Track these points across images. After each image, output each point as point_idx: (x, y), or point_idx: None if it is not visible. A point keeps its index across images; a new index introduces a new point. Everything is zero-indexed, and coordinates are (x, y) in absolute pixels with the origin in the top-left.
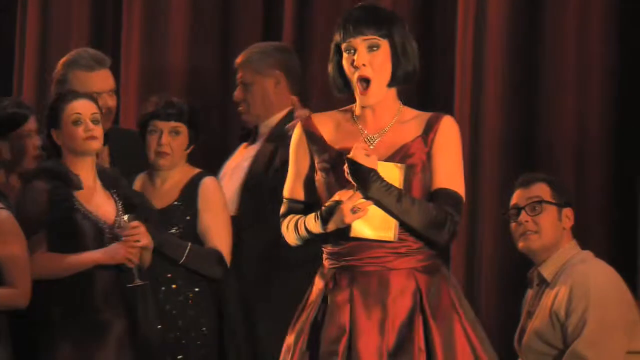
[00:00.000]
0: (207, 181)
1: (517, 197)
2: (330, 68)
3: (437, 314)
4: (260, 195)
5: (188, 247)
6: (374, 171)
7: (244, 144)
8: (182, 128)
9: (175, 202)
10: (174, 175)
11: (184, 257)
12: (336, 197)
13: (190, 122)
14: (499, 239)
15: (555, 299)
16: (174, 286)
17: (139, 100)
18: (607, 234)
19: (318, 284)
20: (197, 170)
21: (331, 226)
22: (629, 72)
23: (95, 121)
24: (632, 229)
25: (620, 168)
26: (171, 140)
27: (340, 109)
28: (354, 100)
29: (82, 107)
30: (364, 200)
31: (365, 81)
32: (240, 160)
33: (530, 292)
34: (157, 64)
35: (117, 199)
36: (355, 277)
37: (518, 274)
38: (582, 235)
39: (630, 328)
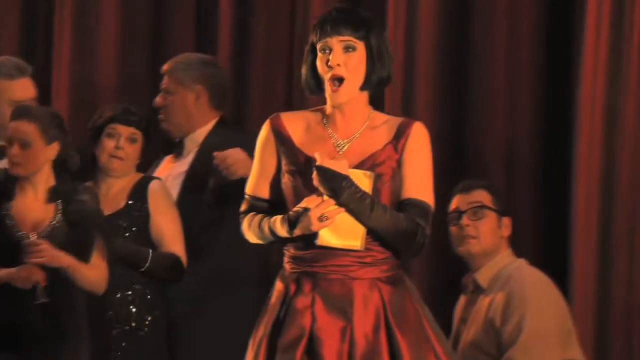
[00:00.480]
0: (155, 185)
1: (457, 201)
2: (304, 69)
3: (402, 325)
4: (196, 217)
5: (150, 255)
6: (348, 178)
7: (170, 156)
8: (139, 136)
9: (124, 208)
10: (120, 182)
11: (145, 266)
12: (304, 203)
13: (147, 132)
14: (430, 242)
15: (491, 306)
16: (129, 292)
17: (70, 106)
18: (538, 238)
19: (278, 286)
20: (141, 175)
21: (297, 232)
22: (558, 75)
23: (24, 145)
24: (562, 233)
25: (550, 171)
26: (128, 146)
27: (312, 109)
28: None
29: (14, 129)
30: (332, 208)
31: (339, 80)
32: (168, 174)
33: (463, 298)
34: (88, 70)
35: (59, 214)
36: (318, 283)
37: (451, 279)
38: (513, 240)
39: (565, 336)
